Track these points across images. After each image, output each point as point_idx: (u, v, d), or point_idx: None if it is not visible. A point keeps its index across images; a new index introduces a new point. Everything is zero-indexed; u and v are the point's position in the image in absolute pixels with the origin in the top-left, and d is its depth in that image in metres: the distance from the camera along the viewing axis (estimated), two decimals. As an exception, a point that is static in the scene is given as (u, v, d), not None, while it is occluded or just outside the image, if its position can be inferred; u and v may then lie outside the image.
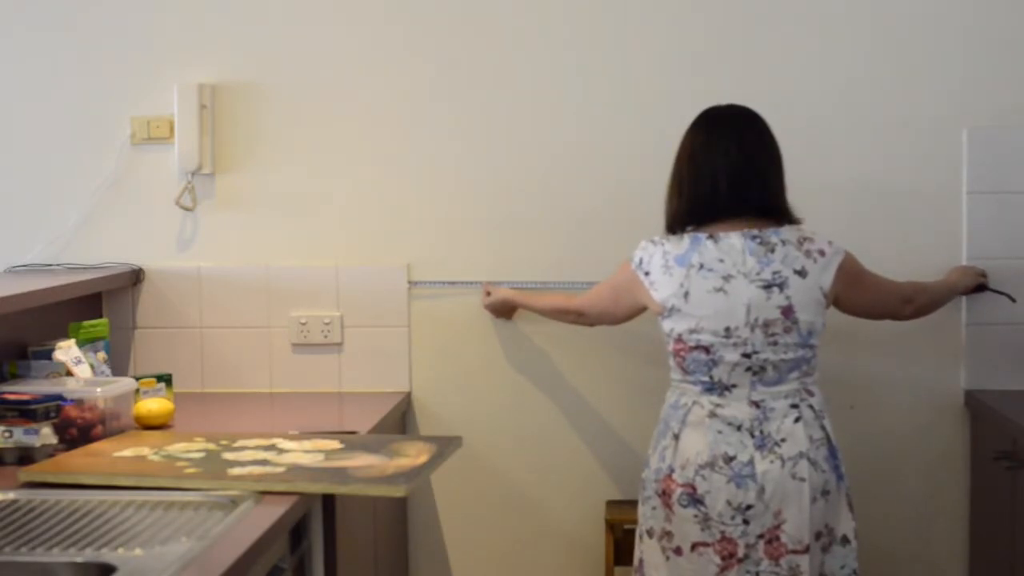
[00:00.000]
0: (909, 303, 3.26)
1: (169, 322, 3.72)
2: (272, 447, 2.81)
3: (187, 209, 3.71)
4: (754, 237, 2.87)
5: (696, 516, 2.85)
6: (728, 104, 3.03)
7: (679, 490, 2.86)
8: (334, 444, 2.86)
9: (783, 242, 2.88)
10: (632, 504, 3.58)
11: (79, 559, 2.09)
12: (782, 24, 3.59)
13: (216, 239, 3.72)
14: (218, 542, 2.15)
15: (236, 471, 2.59)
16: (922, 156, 3.58)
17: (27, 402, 2.77)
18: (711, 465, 2.83)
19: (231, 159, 3.71)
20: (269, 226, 3.71)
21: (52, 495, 2.45)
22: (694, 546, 2.86)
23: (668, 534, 2.90)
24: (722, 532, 2.83)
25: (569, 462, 3.70)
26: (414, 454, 2.76)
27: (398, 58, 3.66)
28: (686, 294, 2.87)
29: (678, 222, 2.95)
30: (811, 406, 2.88)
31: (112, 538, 2.19)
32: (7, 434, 2.71)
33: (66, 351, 3.21)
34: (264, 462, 2.67)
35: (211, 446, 2.82)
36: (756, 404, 2.86)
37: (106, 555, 2.10)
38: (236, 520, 2.28)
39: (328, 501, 2.71)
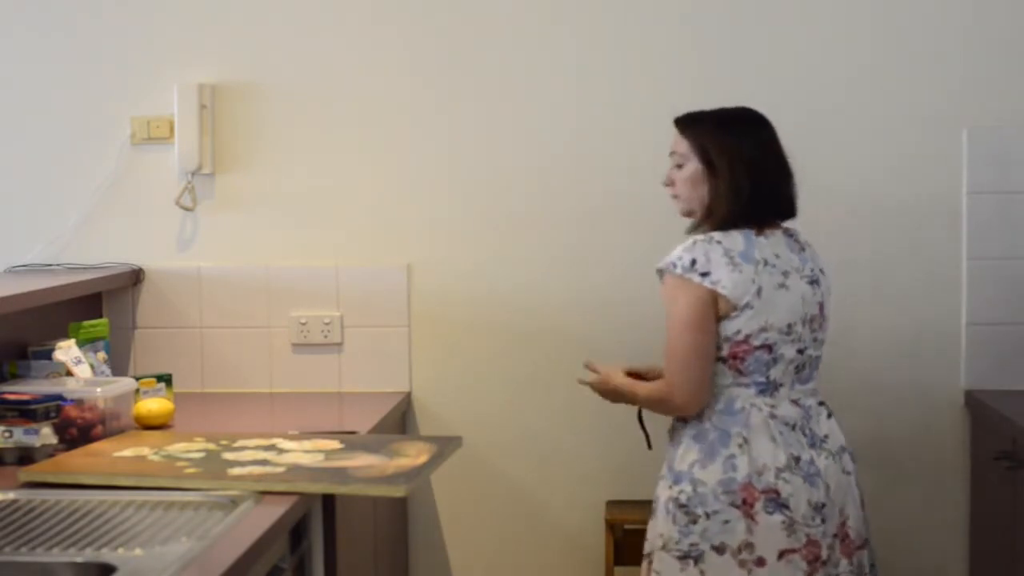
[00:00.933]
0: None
1: (169, 322, 3.72)
2: (272, 447, 2.81)
3: (187, 209, 3.71)
4: (790, 235, 2.86)
5: (783, 522, 2.72)
6: (731, 107, 2.94)
7: (762, 497, 2.72)
8: (334, 444, 2.86)
9: (807, 241, 2.90)
10: (632, 504, 3.60)
11: (79, 559, 2.09)
12: (782, 24, 3.60)
13: (216, 239, 3.72)
14: (218, 542, 2.15)
15: (236, 471, 2.59)
16: (922, 156, 3.58)
17: (27, 402, 2.76)
18: (788, 467, 2.74)
19: (231, 159, 3.71)
20: (269, 226, 3.71)
21: (52, 495, 2.45)
22: (781, 554, 2.73)
23: (749, 546, 2.72)
24: (807, 535, 2.73)
25: (569, 462, 3.70)
26: (414, 454, 2.76)
27: (398, 58, 3.67)
28: (759, 290, 2.75)
29: (736, 219, 2.81)
30: (824, 404, 2.89)
31: (112, 538, 2.19)
32: (7, 434, 2.71)
33: (66, 351, 3.21)
34: (264, 462, 2.67)
35: (211, 446, 2.82)
36: (796, 403, 2.81)
37: (106, 555, 2.10)
38: (236, 520, 2.28)
39: (328, 501, 2.71)
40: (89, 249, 3.73)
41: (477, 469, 3.68)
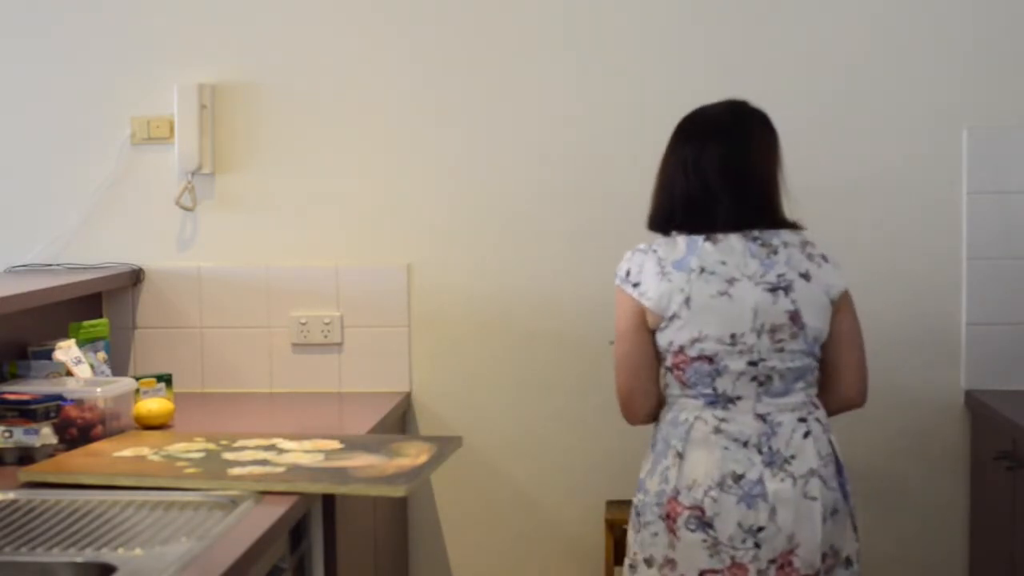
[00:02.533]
0: (866, 389, 2.83)
1: (169, 322, 3.72)
2: (272, 447, 2.81)
3: (187, 209, 3.71)
4: (755, 239, 2.71)
5: (705, 541, 2.62)
6: (725, 101, 2.84)
7: (686, 513, 2.64)
8: (334, 444, 2.86)
9: (785, 244, 2.72)
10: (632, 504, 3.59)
11: (79, 559, 2.09)
12: (780, 24, 3.60)
13: (216, 239, 3.72)
14: (218, 542, 2.15)
15: (236, 471, 2.59)
16: (922, 156, 3.58)
17: (27, 402, 2.77)
18: (720, 485, 2.62)
19: (231, 159, 3.71)
20: (269, 226, 3.71)
21: (52, 495, 2.45)
22: (702, 574, 2.63)
23: (671, 562, 2.66)
24: (732, 557, 2.61)
25: (569, 462, 3.70)
26: (414, 454, 2.76)
27: (398, 58, 3.67)
28: (687, 300, 2.66)
29: (666, 223, 2.78)
30: (818, 420, 2.70)
31: (112, 538, 2.19)
32: (7, 434, 2.71)
33: (66, 351, 3.21)
34: (264, 462, 2.67)
35: (211, 446, 2.82)
36: (762, 418, 2.66)
37: (106, 555, 2.10)
38: (236, 520, 2.28)
39: (328, 501, 2.71)
40: (89, 249, 3.73)
41: (477, 469, 3.68)
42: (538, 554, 3.72)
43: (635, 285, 2.71)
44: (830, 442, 2.72)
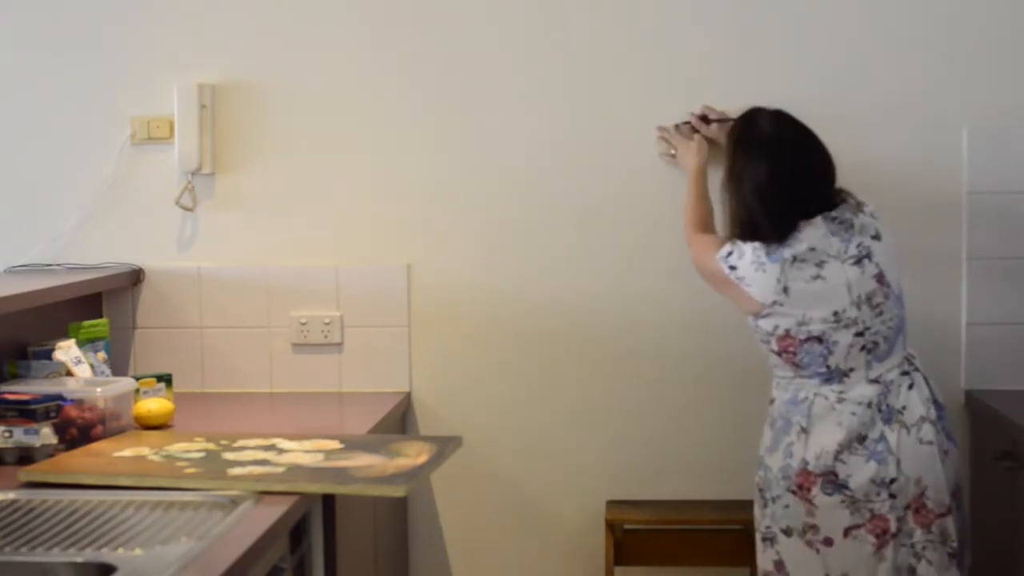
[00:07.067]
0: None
1: (169, 322, 3.72)
2: (272, 447, 2.81)
3: (187, 209, 3.71)
4: (833, 219, 2.94)
5: (843, 501, 2.88)
6: (770, 111, 3.08)
7: (820, 479, 2.89)
8: (334, 444, 2.86)
9: (855, 214, 2.96)
10: (632, 504, 3.60)
11: (79, 559, 2.09)
12: (779, 23, 3.59)
13: (216, 239, 3.72)
14: (218, 542, 2.15)
15: (236, 471, 2.59)
16: (922, 156, 3.58)
17: (27, 402, 2.77)
18: (848, 448, 2.88)
19: (231, 159, 3.71)
20: (269, 226, 3.71)
21: (52, 495, 2.45)
22: (847, 531, 2.89)
23: (813, 527, 2.91)
24: (871, 511, 2.87)
25: (569, 462, 3.69)
26: (414, 454, 2.76)
27: (399, 58, 3.66)
28: (785, 289, 2.90)
29: (751, 236, 2.97)
30: (917, 369, 2.98)
31: (112, 538, 2.19)
32: (7, 434, 2.71)
33: (66, 351, 3.21)
34: (264, 462, 2.67)
35: (211, 446, 2.82)
36: (876, 381, 2.91)
37: (106, 555, 2.10)
38: (236, 520, 2.28)
39: (328, 501, 2.71)
40: (89, 249, 3.72)
41: (477, 469, 3.68)
42: (538, 554, 3.72)
43: (732, 268, 2.97)
44: (930, 387, 2.99)
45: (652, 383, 3.64)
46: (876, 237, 2.97)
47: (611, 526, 3.52)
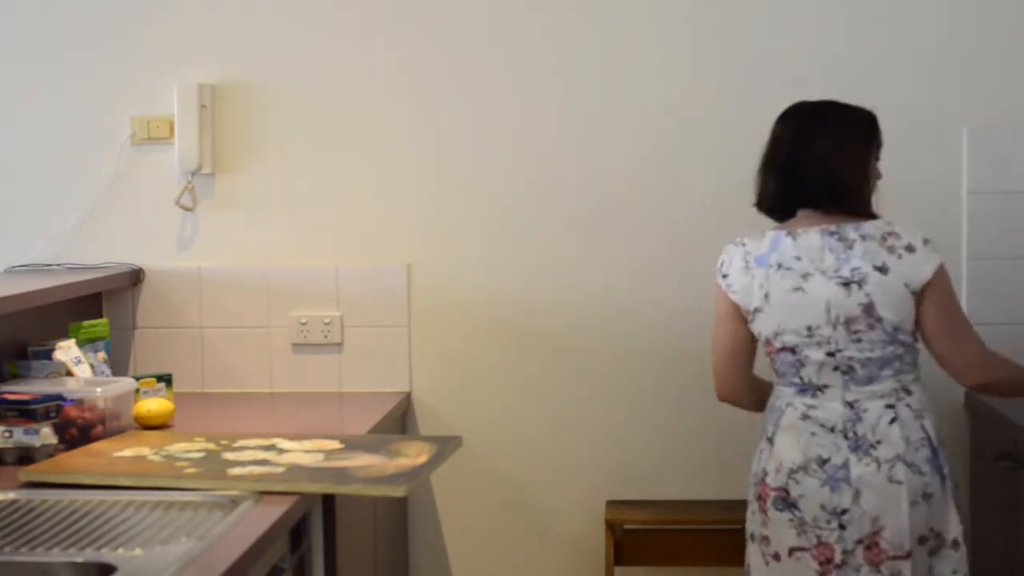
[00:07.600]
0: (989, 369, 2.88)
1: (169, 322, 3.72)
2: (272, 447, 2.81)
3: (187, 209, 3.71)
4: (832, 233, 2.81)
5: (791, 520, 2.79)
6: (821, 100, 2.97)
7: (773, 494, 2.82)
8: (334, 444, 2.86)
9: (863, 237, 2.81)
10: (632, 504, 3.61)
11: (79, 559, 2.09)
12: (779, 24, 3.59)
13: (216, 239, 3.72)
14: (218, 542, 2.15)
15: (236, 471, 2.59)
16: (922, 156, 3.58)
17: (27, 402, 2.76)
18: (804, 468, 2.78)
19: (231, 159, 3.71)
20: (269, 226, 3.71)
21: (52, 495, 2.45)
22: (791, 551, 2.80)
23: (765, 539, 2.85)
24: (818, 537, 2.77)
25: (569, 462, 3.69)
26: (414, 454, 2.76)
27: (398, 58, 3.66)
28: (766, 295, 2.83)
29: (765, 202, 2.92)
30: (909, 405, 2.79)
31: (112, 538, 2.19)
32: (7, 434, 2.71)
33: (66, 351, 3.21)
34: (264, 462, 2.67)
35: (211, 446, 2.82)
36: (850, 405, 2.78)
37: (106, 555, 2.10)
38: (236, 520, 2.28)
39: (328, 501, 2.71)
40: (89, 249, 3.72)
41: (477, 469, 3.68)
42: (538, 554, 3.72)
43: (724, 276, 2.90)
44: (923, 427, 2.81)
45: (652, 383, 3.65)
46: (881, 270, 2.79)
47: (611, 526, 3.52)
